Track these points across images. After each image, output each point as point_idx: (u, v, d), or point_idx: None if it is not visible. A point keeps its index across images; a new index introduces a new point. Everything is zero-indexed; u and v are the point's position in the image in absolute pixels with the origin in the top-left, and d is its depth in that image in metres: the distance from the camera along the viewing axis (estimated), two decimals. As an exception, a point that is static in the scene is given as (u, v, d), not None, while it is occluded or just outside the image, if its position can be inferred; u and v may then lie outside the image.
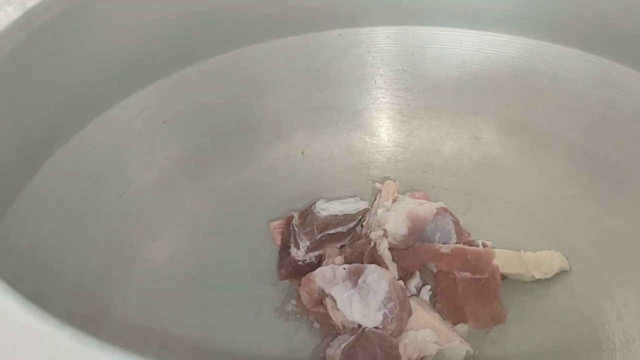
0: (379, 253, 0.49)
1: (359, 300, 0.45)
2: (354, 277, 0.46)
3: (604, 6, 0.52)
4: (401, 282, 0.48)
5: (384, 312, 0.44)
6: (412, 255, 0.50)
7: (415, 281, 0.51)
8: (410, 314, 0.46)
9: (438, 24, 0.60)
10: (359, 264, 0.47)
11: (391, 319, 0.44)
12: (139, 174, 0.55)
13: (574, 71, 0.56)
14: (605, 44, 0.53)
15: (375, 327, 0.44)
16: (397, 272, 0.49)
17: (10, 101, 0.43)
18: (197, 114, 0.58)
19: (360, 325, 0.45)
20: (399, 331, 0.45)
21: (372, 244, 0.50)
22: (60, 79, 0.46)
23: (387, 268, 0.48)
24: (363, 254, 0.50)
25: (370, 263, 0.49)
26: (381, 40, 0.61)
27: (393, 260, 0.50)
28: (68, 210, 0.48)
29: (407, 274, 0.51)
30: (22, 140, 0.44)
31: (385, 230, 0.50)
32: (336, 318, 0.46)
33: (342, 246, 0.53)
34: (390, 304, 0.44)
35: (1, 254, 0.42)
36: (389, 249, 0.50)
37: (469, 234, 0.53)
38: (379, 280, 0.45)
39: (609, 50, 0.53)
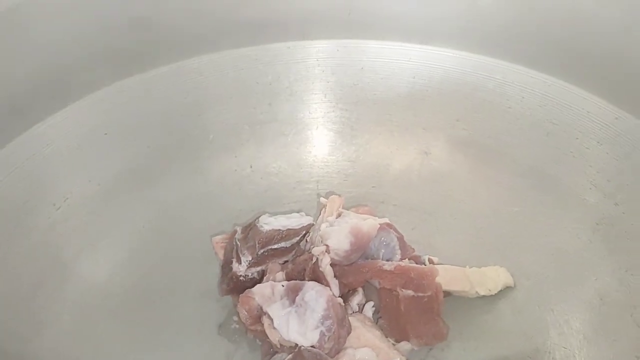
0: (320, 269, 0.48)
1: (296, 318, 0.44)
2: (292, 295, 0.45)
3: (549, 25, 0.53)
4: (340, 300, 0.47)
5: (321, 331, 0.43)
6: (355, 272, 0.49)
7: (357, 298, 0.50)
8: (349, 331, 0.45)
9: (388, 38, 0.60)
10: (298, 281, 0.46)
11: (328, 338, 0.43)
12: (77, 186, 0.53)
13: (520, 88, 0.56)
14: (550, 62, 0.54)
15: (312, 346, 0.43)
16: (338, 289, 0.48)
17: None
18: (141, 126, 0.57)
19: (297, 344, 0.43)
20: (337, 349, 0.44)
21: (314, 260, 0.49)
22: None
23: (328, 285, 0.47)
24: (305, 270, 0.49)
25: (311, 279, 0.48)
26: (331, 54, 0.61)
27: (335, 276, 0.49)
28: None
29: (349, 290, 0.50)
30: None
31: (327, 246, 0.49)
32: (273, 337, 0.45)
33: (285, 262, 0.52)
34: (328, 322, 0.43)
35: None
36: (331, 265, 0.49)
37: (414, 249, 0.52)
38: (317, 297, 0.44)
39: (554, 68, 0.54)
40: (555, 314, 0.50)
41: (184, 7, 0.54)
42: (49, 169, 0.51)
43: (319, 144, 0.63)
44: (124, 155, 0.56)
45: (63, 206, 0.52)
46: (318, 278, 0.48)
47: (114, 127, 0.55)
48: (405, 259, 0.51)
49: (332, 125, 0.63)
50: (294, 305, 0.44)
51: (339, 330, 0.43)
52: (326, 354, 0.43)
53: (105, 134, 0.55)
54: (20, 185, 0.48)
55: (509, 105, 0.57)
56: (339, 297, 0.47)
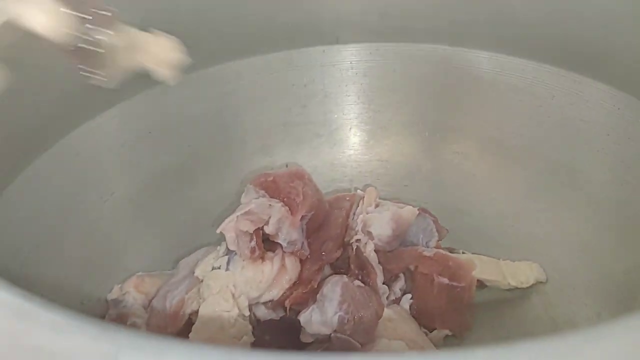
0: (364, 255, 0.50)
1: (318, 312, 0.45)
2: (314, 295, 0.47)
3: (578, 24, 0.53)
4: (359, 283, 0.48)
5: (339, 315, 0.44)
6: (397, 258, 0.51)
7: (399, 284, 0.51)
8: (379, 314, 0.46)
9: (419, 41, 0.61)
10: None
11: (347, 319, 0.44)
12: (122, 183, 0.56)
13: (550, 87, 0.57)
14: (579, 60, 0.55)
15: (335, 331, 0.44)
16: (382, 275, 0.50)
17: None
18: (182, 126, 0.59)
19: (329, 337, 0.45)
20: (366, 330, 0.45)
21: (354, 248, 0.50)
22: (42, 88, 0.47)
23: (373, 270, 0.49)
24: (349, 259, 0.51)
25: (356, 267, 0.50)
26: (364, 57, 0.63)
27: (379, 263, 0.50)
28: (48, 215, 0.49)
29: (391, 276, 0.51)
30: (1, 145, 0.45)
31: (370, 233, 0.51)
32: (307, 339, 0.47)
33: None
34: (345, 305, 0.45)
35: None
36: (374, 251, 0.50)
37: (447, 230, 0.54)
38: (332, 287, 0.46)
39: (583, 66, 0.55)
40: (587, 309, 0.51)
41: (223, 13, 0.56)
42: (97, 165, 0.53)
43: (352, 144, 0.65)
44: (166, 154, 0.59)
45: (109, 201, 0.54)
46: (363, 265, 0.49)
47: (157, 126, 0.57)
48: (441, 240, 0.53)
49: (364, 126, 0.65)
50: (315, 303, 0.46)
51: (359, 311, 0.44)
52: (349, 334, 0.44)
53: (149, 132, 0.57)
54: (70, 179, 0.51)
55: (539, 104, 0.57)
56: (383, 283, 0.49)
